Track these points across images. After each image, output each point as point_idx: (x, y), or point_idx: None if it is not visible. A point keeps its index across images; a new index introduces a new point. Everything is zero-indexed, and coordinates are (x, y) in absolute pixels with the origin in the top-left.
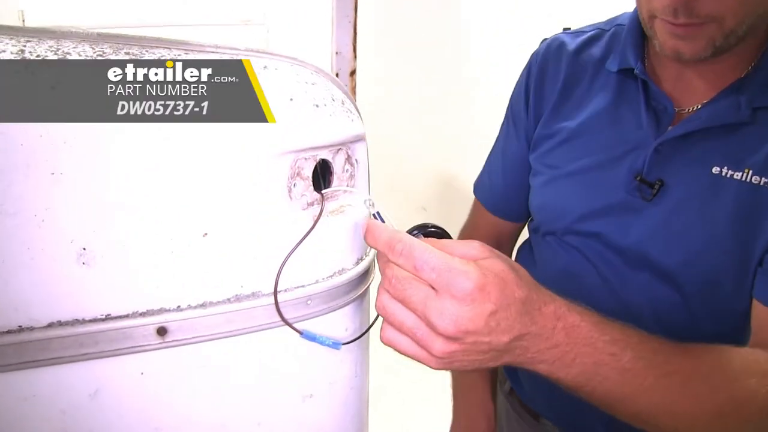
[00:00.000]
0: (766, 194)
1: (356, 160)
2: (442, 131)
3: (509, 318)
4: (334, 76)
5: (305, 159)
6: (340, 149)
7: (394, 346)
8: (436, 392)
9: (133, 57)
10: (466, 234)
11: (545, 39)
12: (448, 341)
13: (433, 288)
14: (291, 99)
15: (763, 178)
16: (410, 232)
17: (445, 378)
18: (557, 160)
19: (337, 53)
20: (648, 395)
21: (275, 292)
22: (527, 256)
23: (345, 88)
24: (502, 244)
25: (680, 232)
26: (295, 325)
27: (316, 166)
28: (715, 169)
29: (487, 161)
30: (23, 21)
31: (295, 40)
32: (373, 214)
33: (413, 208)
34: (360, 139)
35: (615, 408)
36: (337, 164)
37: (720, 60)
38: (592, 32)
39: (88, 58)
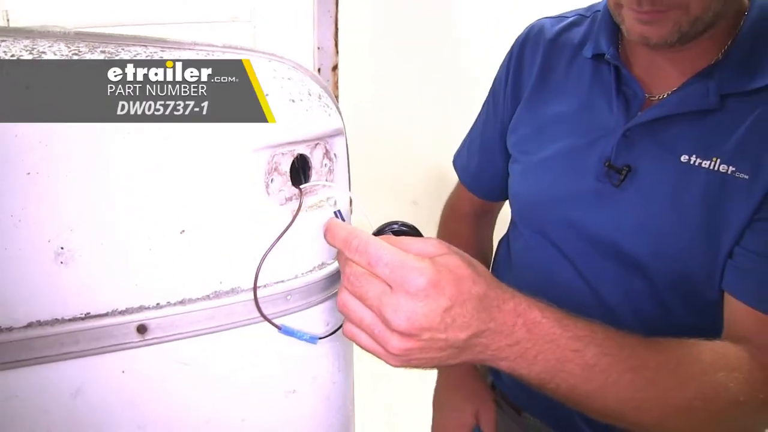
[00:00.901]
0: (733, 183)
1: (335, 155)
2: (435, 126)
3: (465, 314)
4: (313, 71)
5: (282, 154)
6: (318, 144)
7: (356, 342)
8: (427, 385)
9: (109, 55)
10: (450, 204)
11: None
12: (404, 338)
13: (388, 285)
14: (267, 94)
15: (730, 167)
16: (380, 230)
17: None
18: (532, 146)
19: (318, 48)
20: (613, 390)
21: (254, 288)
22: (504, 251)
23: (323, 83)
24: (484, 213)
25: (649, 220)
26: (274, 321)
27: (294, 161)
28: (684, 158)
29: (468, 134)
30: (8, 21)
31: (282, 37)
32: (335, 212)
33: (404, 202)
34: (338, 133)
35: (582, 404)
36: (315, 159)
37: (690, 46)
38: (572, 18)
39: (63, 58)
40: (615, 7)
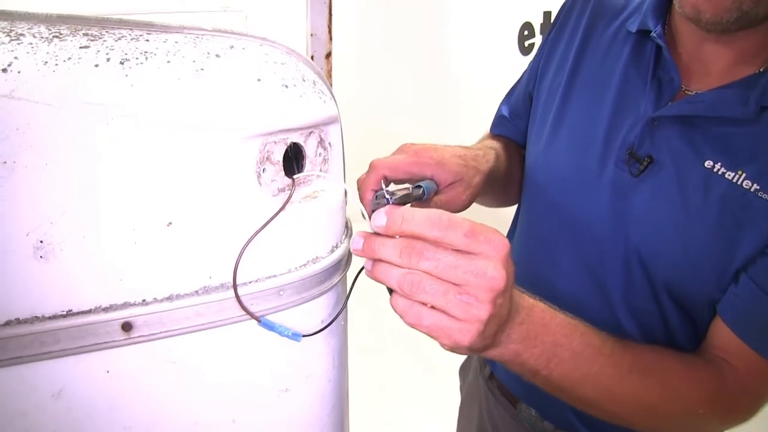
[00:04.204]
0: (754, 202)
1: (330, 144)
2: (430, 116)
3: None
4: (307, 57)
5: (275, 143)
6: (312, 132)
7: (422, 324)
8: (424, 382)
9: (92, 38)
10: None
11: None
12: (489, 303)
13: (467, 254)
14: (259, 79)
15: (755, 184)
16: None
17: (432, 372)
18: (557, 119)
19: (312, 35)
20: (594, 381)
21: (234, 276)
22: (510, 231)
23: (317, 69)
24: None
25: (658, 218)
26: (267, 318)
27: (287, 150)
28: (708, 163)
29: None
30: None
31: (273, 26)
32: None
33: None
34: (333, 121)
35: (568, 391)
36: (309, 148)
37: (743, 37)
38: None
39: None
40: None
